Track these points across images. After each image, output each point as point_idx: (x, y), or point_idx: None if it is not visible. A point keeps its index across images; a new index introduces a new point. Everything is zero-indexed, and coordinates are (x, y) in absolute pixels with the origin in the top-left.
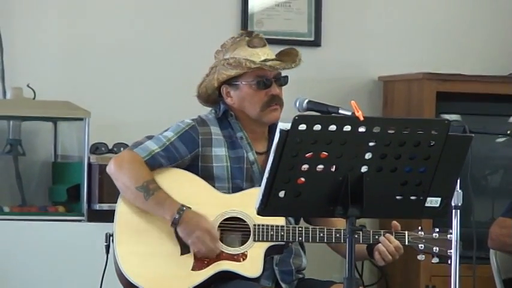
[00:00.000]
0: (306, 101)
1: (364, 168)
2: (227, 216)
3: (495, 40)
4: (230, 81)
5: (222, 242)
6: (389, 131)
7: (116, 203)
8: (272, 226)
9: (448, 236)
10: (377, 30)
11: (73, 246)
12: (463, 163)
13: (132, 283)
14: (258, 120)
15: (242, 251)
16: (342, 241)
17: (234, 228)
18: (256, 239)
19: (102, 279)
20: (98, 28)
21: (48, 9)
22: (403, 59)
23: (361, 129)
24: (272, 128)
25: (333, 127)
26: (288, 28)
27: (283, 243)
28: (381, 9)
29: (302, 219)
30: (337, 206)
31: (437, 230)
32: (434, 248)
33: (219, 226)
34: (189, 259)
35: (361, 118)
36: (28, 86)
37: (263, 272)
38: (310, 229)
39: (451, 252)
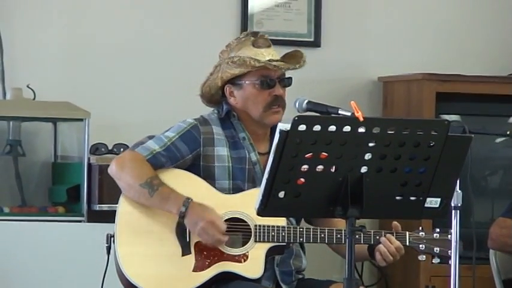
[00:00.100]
0: (306, 101)
1: (363, 169)
2: (228, 217)
3: (495, 41)
4: (234, 81)
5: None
6: (389, 132)
7: (115, 203)
8: (273, 227)
9: (449, 236)
10: (377, 30)
11: (73, 246)
12: (462, 163)
13: (133, 284)
14: (259, 121)
15: (243, 252)
16: (343, 242)
17: (235, 229)
18: (257, 239)
19: (103, 280)
20: (97, 29)
21: (48, 9)
22: (402, 59)
23: (361, 129)
24: (274, 129)
25: (332, 128)
26: (288, 29)
27: (284, 244)
28: (381, 9)
29: (303, 219)
30: (337, 206)
31: (438, 230)
32: (435, 249)
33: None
34: (190, 260)
35: (361, 119)
36: (28, 86)
37: (264, 272)
38: (311, 230)
39: (451, 253)
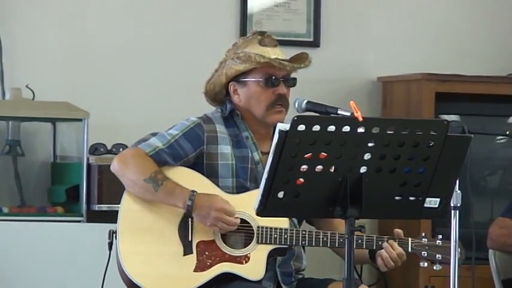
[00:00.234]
0: (305, 101)
1: (363, 169)
2: None
3: (494, 41)
4: (238, 78)
5: (224, 243)
6: (389, 132)
7: (115, 203)
8: (276, 229)
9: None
10: (376, 30)
11: (72, 247)
12: (462, 164)
13: (134, 282)
14: (262, 120)
15: (245, 253)
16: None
17: (237, 230)
18: (260, 241)
19: (104, 275)
20: (97, 29)
21: (47, 10)
22: (402, 59)
23: (360, 129)
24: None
25: (332, 128)
26: (287, 29)
27: (286, 246)
28: (380, 9)
29: (304, 221)
30: (336, 206)
31: (440, 237)
32: (437, 255)
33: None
34: (191, 260)
35: (360, 119)
36: (27, 86)
37: (265, 273)
38: (314, 233)
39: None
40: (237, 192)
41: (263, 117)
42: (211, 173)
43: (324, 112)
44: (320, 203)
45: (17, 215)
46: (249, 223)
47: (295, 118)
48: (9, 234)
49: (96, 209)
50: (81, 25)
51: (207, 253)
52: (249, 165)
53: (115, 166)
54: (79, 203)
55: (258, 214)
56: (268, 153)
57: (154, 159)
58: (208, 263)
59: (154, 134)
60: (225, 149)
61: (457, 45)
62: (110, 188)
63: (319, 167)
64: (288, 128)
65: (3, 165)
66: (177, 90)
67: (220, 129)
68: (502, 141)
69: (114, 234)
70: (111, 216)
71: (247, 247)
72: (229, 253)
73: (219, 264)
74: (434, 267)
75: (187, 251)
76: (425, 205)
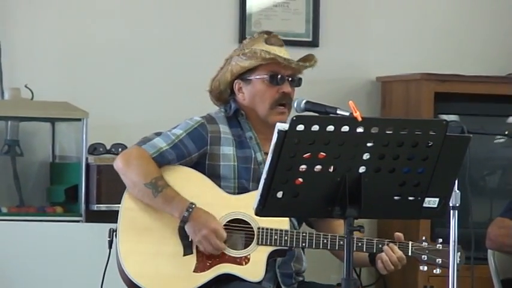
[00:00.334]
0: (304, 101)
1: (362, 169)
2: (232, 218)
3: (493, 41)
4: (243, 76)
5: (225, 244)
6: (388, 132)
7: (114, 203)
8: (276, 230)
9: None
10: (375, 30)
11: (71, 246)
12: (461, 163)
13: (133, 282)
14: (264, 119)
15: (245, 254)
16: None
17: (238, 230)
18: (260, 242)
19: (104, 274)
20: (96, 29)
21: (46, 10)
22: (401, 59)
23: (359, 129)
24: None
25: (331, 128)
26: (286, 28)
27: (286, 247)
28: (379, 9)
29: (304, 222)
30: (335, 206)
31: (440, 240)
32: (437, 260)
33: (223, 227)
34: (191, 260)
35: (359, 119)
36: (26, 86)
37: (265, 273)
38: (314, 235)
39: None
40: (238, 193)
41: (266, 116)
42: (212, 174)
43: (323, 112)
44: (319, 203)
45: (16, 215)
46: (249, 224)
47: (294, 118)
48: (8, 234)
49: (95, 209)
50: (80, 25)
51: (206, 254)
52: (252, 166)
53: (118, 164)
54: (78, 203)
55: (257, 214)
56: None
57: (158, 160)
58: (208, 264)
59: (158, 134)
60: (228, 150)
61: (456, 45)
62: (109, 188)
63: (318, 167)
64: (286, 128)
65: (2, 165)
66: (176, 90)
67: (224, 129)
68: (501, 141)
69: (114, 233)
70: (110, 216)
71: (247, 248)
72: (229, 254)
73: (218, 265)
74: (434, 271)
75: (187, 251)
76: (425, 205)
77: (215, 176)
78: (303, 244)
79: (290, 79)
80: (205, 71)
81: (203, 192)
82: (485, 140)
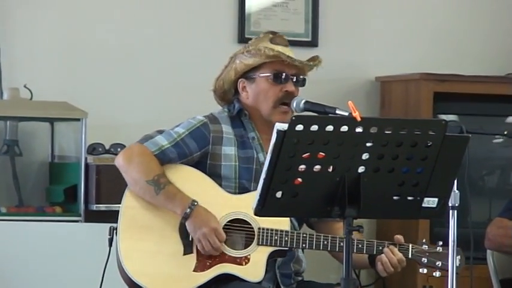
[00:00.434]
0: (303, 101)
1: (361, 169)
2: (232, 218)
3: (492, 41)
4: (247, 74)
5: (225, 244)
6: (387, 132)
7: (113, 203)
8: (276, 231)
9: None
10: (374, 30)
11: (70, 246)
12: (460, 163)
13: (133, 280)
14: (267, 119)
15: (245, 255)
16: None
17: (238, 230)
18: (260, 242)
19: (103, 272)
20: (94, 29)
21: (46, 10)
22: (400, 59)
23: (358, 129)
24: None
25: (330, 127)
26: (285, 28)
27: (286, 248)
28: (378, 9)
29: (305, 224)
30: (334, 206)
31: (440, 243)
32: (437, 262)
33: (223, 227)
34: (191, 260)
35: (358, 118)
36: (25, 86)
37: (265, 274)
38: (315, 236)
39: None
40: (239, 193)
41: (269, 115)
42: (213, 173)
43: (322, 112)
44: (318, 203)
45: (15, 215)
46: (250, 224)
47: (293, 118)
48: (7, 234)
49: (94, 208)
50: (79, 25)
51: (205, 253)
52: (254, 166)
53: (120, 161)
54: (77, 203)
55: (256, 214)
56: None
57: (159, 158)
58: (208, 263)
59: (160, 132)
60: (229, 150)
61: (455, 45)
62: (108, 188)
63: (317, 167)
64: (286, 128)
65: (1, 165)
66: (175, 90)
67: (226, 129)
68: (500, 141)
69: (115, 231)
70: (109, 216)
71: (248, 248)
72: (229, 254)
73: (218, 265)
74: (434, 274)
75: (187, 250)
76: (424, 205)
77: (216, 176)
78: (303, 245)
79: (294, 79)
80: (204, 71)
81: (204, 192)
82: (485, 140)
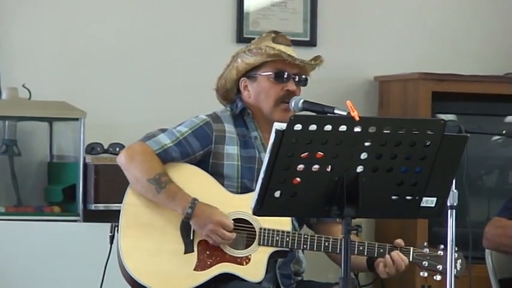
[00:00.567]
0: (302, 101)
1: (359, 168)
2: (234, 217)
3: (491, 40)
4: (249, 73)
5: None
6: (385, 131)
7: (111, 203)
8: (278, 231)
9: (455, 254)
10: (372, 30)
11: (69, 246)
12: (458, 163)
13: (133, 278)
14: (269, 117)
15: (246, 255)
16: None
17: (239, 230)
18: (261, 243)
19: (104, 269)
20: (93, 29)
21: (44, 9)
22: (398, 59)
23: (357, 129)
24: None
25: (328, 127)
26: (284, 28)
27: (287, 249)
28: (377, 9)
29: (305, 225)
30: (333, 206)
31: (442, 247)
32: (437, 266)
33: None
34: (192, 258)
35: (357, 118)
36: (23, 86)
37: (266, 274)
38: (316, 238)
39: (455, 271)
40: (241, 193)
41: (270, 113)
42: (216, 172)
43: (320, 111)
44: (317, 203)
45: (14, 215)
46: (251, 224)
47: (292, 117)
48: (6, 234)
49: (93, 208)
50: (77, 25)
51: (207, 252)
52: (256, 166)
53: (122, 159)
54: (76, 203)
55: (254, 213)
56: None
57: (161, 157)
58: (208, 263)
59: (163, 130)
60: (232, 149)
61: (453, 45)
62: (107, 188)
63: (316, 167)
64: (284, 127)
65: None
66: (173, 89)
67: (229, 128)
68: (499, 140)
69: (116, 228)
70: (108, 216)
71: (249, 248)
72: (230, 253)
73: (219, 264)
74: (435, 277)
75: (188, 249)
76: (422, 204)
77: (218, 175)
78: (305, 246)
79: (296, 78)
80: (202, 71)
81: (206, 191)
82: (483, 140)
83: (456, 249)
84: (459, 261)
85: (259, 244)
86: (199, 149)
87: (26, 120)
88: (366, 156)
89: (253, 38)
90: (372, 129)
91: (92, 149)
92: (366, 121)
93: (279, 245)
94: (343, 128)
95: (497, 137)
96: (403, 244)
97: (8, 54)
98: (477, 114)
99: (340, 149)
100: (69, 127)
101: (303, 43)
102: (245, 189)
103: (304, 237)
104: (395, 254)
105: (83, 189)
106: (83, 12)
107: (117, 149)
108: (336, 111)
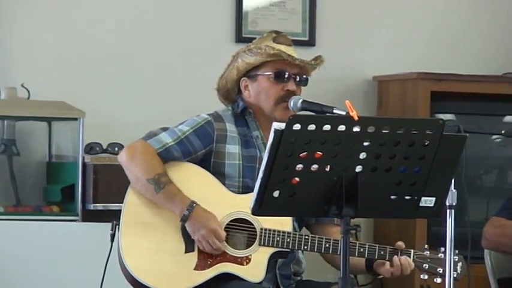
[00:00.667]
0: (301, 100)
1: (358, 168)
2: (235, 217)
3: (490, 40)
4: (249, 73)
5: (227, 243)
6: (384, 131)
7: (110, 203)
8: (279, 232)
9: (456, 257)
10: (371, 30)
11: (68, 246)
12: (457, 163)
13: (133, 277)
14: (270, 116)
15: (246, 255)
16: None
17: (240, 230)
18: (262, 243)
19: (105, 268)
20: (92, 28)
21: (43, 9)
22: (397, 58)
23: (356, 129)
24: None
25: (327, 127)
26: (283, 28)
27: (288, 250)
28: (375, 9)
29: (304, 227)
30: (332, 205)
31: (442, 250)
32: (438, 269)
33: (225, 227)
34: (192, 258)
35: (356, 118)
36: (22, 85)
37: (266, 274)
38: (317, 239)
39: (456, 274)
40: (242, 192)
41: (271, 112)
42: (217, 172)
43: (319, 111)
44: (315, 202)
45: (13, 215)
46: (252, 224)
47: (291, 117)
48: (5, 234)
49: (92, 208)
50: (76, 25)
51: (208, 252)
52: (257, 165)
53: (123, 157)
54: (74, 203)
55: (253, 213)
56: None
57: (163, 156)
58: (209, 262)
59: (164, 129)
60: (233, 148)
61: (452, 45)
62: (106, 188)
63: (315, 166)
64: (283, 127)
65: None
66: (172, 89)
67: (230, 127)
68: (498, 140)
69: (117, 226)
70: (107, 216)
71: (249, 248)
72: (230, 253)
73: (219, 264)
74: (435, 280)
75: (188, 248)
76: (421, 204)
77: (220, 174)
78: (305, 247)
79: (297, 78)
80: (201, 71)
81: (207, 190)
82: (482, 139)
83: (457, 252)
84: (459, 264)
85: (259, 244)
86: (201, 148)
87: (24, 120)
88: (364, 156)
89: (252, 38)
90: (370, 129)
91: (90, 148)
92: (365, 121)
93: (280, 245)
94: (342, 127)
95: (496, 137)
96: (404, 246)
97: (6, 53)
98: (476, 114)
99: (339, 148)
100: (68, 127)
101: (301, 43)
102: (246, 189)
103: (305, 238)
104: (404, 258)
105: (82, 189)
106: (82, 12)
107: (116, 149)
108: (335, 111)
